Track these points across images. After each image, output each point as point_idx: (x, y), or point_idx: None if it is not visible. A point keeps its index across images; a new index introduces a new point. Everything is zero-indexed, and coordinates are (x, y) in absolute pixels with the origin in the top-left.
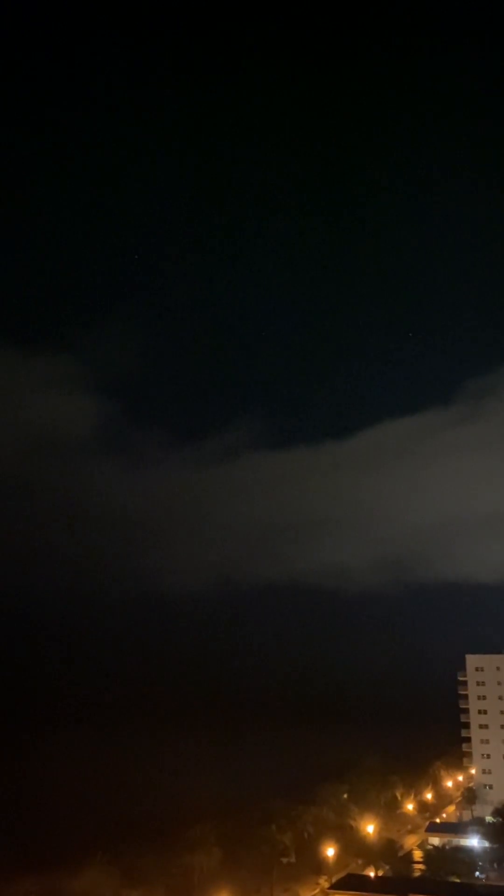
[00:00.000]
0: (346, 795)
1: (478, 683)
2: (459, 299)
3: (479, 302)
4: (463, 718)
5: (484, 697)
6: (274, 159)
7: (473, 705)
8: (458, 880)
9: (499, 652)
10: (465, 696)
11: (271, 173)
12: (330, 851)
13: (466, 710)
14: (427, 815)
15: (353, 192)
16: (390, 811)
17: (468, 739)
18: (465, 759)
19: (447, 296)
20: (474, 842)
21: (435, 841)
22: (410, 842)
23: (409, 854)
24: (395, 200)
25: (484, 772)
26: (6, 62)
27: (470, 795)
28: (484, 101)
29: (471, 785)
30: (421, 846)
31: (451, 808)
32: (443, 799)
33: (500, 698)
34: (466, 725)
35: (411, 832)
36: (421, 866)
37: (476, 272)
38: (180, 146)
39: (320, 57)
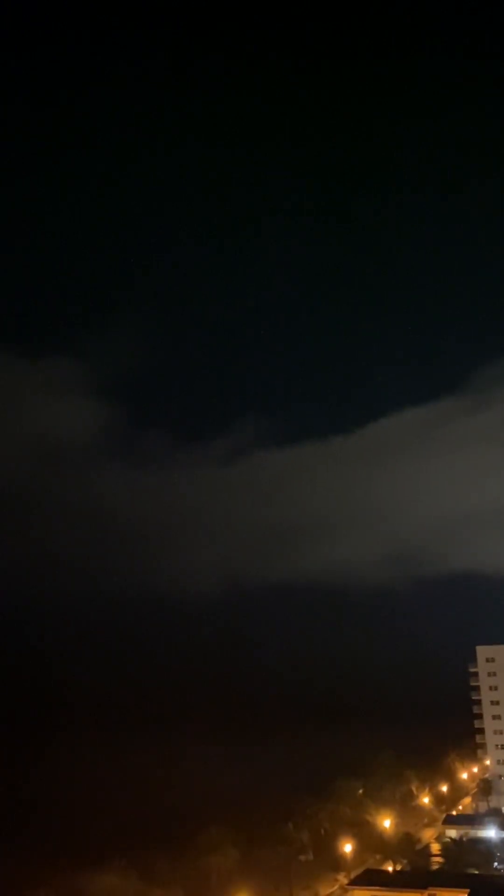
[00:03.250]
0: (361, 791)
1: (489, 674)
2: (467, 287)
3: (488, 289)
4: (475, 710)
5: (496, 688)
6: (275, 159)
7: (485, 696)
8: (476, 872)
9: None
10: (477, 688)
11: (272, 173)
12: (347, 847)
13: (479, 702)
14: (443, 807)
15: (357, 183)
16: (406, 805)
17: (481, 730)
18: (479, 751)
19: (455, 284)
20: (492, 833)
21: (452, 833)
22: (428, 835)
23: (427, 847)
24: (400, 191)
25: (499, 762)
26: (6, 61)
27: (485, 787)
28: (484, 100)
29: (486, 776)
30: (438, 839)
31: (468, 800)
32: (458, 791)
33: None
34: (479, 717)
35: (428, 825)
36: (439, 859)
37: (483, 260)
38: (181, 151)
39: (320, 57)
